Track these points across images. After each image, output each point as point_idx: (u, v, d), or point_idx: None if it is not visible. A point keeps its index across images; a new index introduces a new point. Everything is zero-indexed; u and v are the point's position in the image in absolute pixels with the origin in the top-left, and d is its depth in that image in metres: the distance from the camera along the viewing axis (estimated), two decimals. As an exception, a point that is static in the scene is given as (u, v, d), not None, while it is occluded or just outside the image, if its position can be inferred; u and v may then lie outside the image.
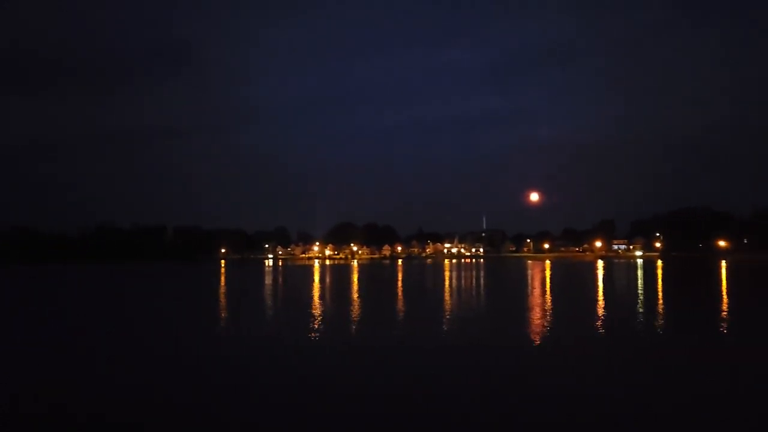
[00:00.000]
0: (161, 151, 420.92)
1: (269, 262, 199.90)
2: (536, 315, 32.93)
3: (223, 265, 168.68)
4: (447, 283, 67.94)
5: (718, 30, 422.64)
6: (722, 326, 28.22)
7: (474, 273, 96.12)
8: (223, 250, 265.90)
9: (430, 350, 22.08)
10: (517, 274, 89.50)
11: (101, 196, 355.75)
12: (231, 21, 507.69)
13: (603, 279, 72.99)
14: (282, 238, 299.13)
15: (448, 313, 35.42)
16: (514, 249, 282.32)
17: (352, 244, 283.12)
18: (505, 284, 68.25)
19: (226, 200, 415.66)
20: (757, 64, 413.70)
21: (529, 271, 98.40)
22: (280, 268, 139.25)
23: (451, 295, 48.89)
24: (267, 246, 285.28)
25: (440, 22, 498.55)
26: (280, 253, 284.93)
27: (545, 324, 28.96)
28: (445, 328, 28.33)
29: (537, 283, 64.87)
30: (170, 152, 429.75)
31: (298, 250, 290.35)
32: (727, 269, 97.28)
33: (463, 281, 70.96)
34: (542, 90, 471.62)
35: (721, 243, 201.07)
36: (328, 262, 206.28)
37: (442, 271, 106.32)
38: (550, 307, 37.46)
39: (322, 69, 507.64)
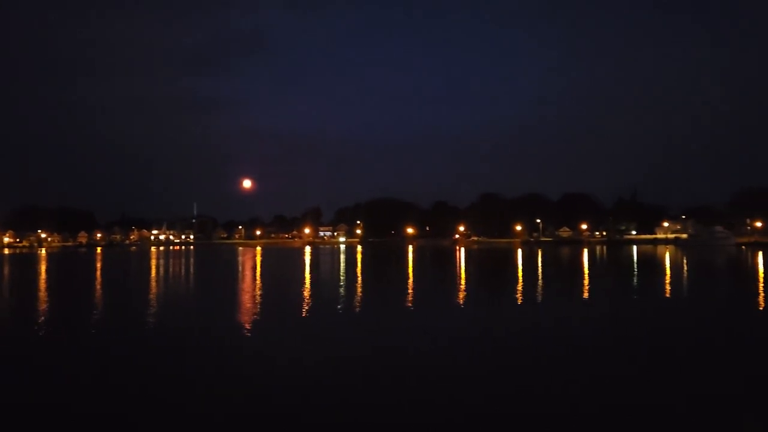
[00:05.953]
0: None
1: None
2: (231, 299, 33.89)
3: None
4: (153, 271, 64.89)
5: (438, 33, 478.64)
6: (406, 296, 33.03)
7: (181, 260, 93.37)
8: None
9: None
10: (225, 261, 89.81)
11: None
12: None
13: (310, 263, 78.13)
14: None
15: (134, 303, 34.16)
16: (225, 236, 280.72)
17: (39, 231, 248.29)
18: (210, 271, 67.97)
19: None
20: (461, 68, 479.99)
21: (240, 258, 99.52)
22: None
23: (145, 284, 46.99)
24: None
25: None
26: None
27: (239, 307, 30.05)
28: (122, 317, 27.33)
29: (247, 269, 66.26)
30: None
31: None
32: (413, 252, 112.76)
33: (170, 269, 68.61)
34: (257, 78, 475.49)
35: (409, 230, 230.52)
36: (6, 251, 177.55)
37: (147, 259, 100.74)
38: (247, 290, 38.84)
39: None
